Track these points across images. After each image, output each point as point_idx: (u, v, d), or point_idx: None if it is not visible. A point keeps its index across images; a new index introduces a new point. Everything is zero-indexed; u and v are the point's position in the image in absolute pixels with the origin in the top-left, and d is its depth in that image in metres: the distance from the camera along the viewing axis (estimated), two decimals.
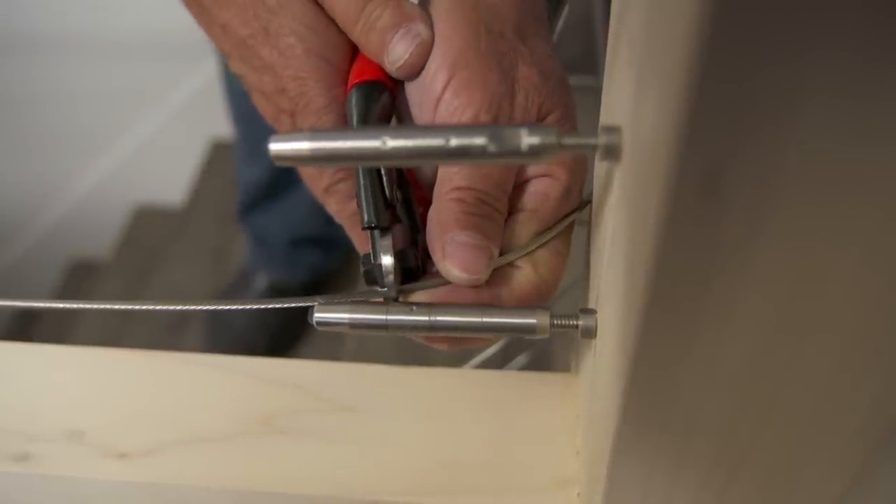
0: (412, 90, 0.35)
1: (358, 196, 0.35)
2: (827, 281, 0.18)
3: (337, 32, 0.36)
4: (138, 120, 1.65)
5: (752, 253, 0.17)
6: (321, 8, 0.36)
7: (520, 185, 0.35)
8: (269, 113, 0.38)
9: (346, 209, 0.38)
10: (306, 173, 0.38)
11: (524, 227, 0.35)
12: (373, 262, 0.34)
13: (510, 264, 0.34)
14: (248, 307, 0.37)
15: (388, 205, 0.34)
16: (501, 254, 0.34)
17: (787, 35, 0.14)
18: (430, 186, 0.36)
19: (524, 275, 0.34)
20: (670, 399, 0.21)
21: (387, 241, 0.34)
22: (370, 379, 0.38)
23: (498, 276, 0.34)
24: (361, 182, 0.35)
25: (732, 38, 0.14)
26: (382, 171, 0.35)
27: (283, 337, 1.28)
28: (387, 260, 0.34)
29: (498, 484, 0.34)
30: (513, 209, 0.35)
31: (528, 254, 0.34)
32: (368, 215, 0.34)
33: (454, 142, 0.26)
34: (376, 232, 0.34)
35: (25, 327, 1.59)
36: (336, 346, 1.23)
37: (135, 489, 0.35)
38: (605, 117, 0.29)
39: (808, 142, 0.15)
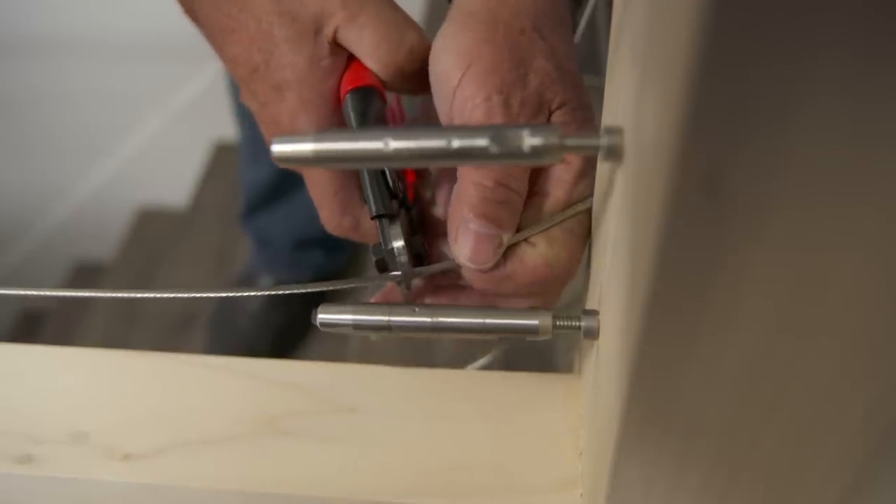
0: (434, 89, 0.37)
1: (363, 188, 0.37)
2: (828, 282, 0.18)
3: (331, 65, 0.38)
4: (142, 122, 1.65)
5: (754, 254, 0.17)
6: (320, 38, 0.37)
7: (534, 169, 0.36)
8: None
9: (347, 234, 0.40)
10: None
11: (535, 210, 0.35)
12: (384, 248, 0.36)
13: (525, 241, 0.35)
14: (261, 293, 0.38)
15: (393, 195, 0.36)
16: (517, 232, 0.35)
17: (788, 35, 0.14)
18: None
19: (537, 251, 0.35)
20: (672, 399, 0.21)
21: (396, 228, 0.36)
22: (373, 380, 0.38)
23: (511, 253, 0.35)
24: (366, 174, 0.37)
25: (733, 38, 0.14)
26: None
27: (287, 338, 1.28)
28: (398, 243, 0.36)
29: (501, 485, 0.34)
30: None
31: (542, 232, 0.35)
32: (376, 206, 0.36)
33: (456, 143, 0.26)
34: (385, 220, 0.36)
35: (29, 329, 1.59)
36: (340, 347, 1.23)
37: (139, 491, 0.35)
38: (608, 118, 0.29)
39: (809, 143, 0.15)
